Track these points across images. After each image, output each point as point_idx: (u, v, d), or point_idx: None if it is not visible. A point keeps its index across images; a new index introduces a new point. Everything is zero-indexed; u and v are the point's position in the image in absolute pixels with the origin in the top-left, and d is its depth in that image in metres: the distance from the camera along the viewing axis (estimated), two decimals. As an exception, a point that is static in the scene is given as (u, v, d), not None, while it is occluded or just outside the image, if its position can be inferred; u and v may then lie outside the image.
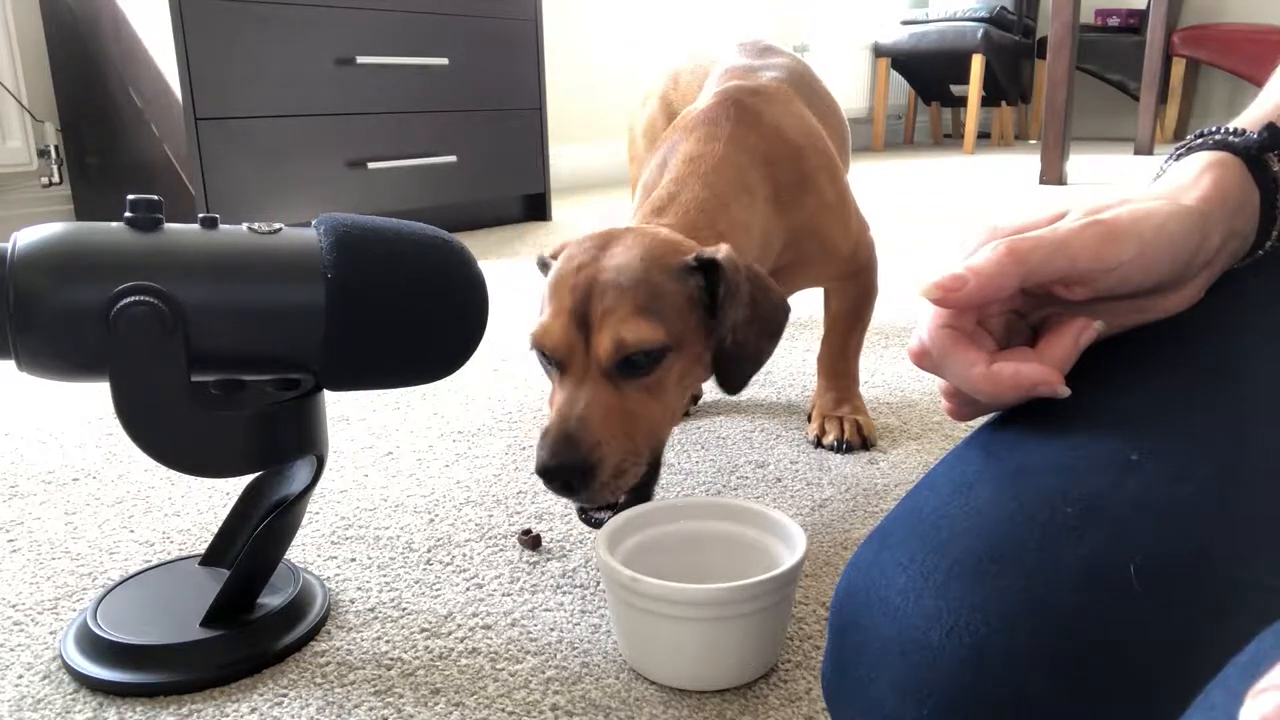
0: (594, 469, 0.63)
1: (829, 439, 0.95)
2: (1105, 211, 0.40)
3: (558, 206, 2.83)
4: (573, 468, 0.62)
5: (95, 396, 1.14)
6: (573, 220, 2.59)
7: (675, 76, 1.14)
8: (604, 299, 0.67)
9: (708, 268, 0.70)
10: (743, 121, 0.86)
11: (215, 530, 0.69)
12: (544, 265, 0.77)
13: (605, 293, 0.67)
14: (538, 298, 0.73)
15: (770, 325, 0.72)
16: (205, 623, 0.60)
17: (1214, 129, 0.45)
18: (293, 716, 0.55)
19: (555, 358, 0.68)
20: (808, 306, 1.48)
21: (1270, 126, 0.42)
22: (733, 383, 0.72)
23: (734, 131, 0.85)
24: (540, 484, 0.67)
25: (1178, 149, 0.45)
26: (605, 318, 0.66)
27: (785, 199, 0.85)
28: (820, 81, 1.06)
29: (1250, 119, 0.46)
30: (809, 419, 1.00)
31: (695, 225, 0.78)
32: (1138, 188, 0.43)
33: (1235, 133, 0.43)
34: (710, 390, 1.13)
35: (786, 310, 0.74)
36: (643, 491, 0.69)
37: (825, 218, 0.89)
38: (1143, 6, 4.38)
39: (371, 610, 0.66)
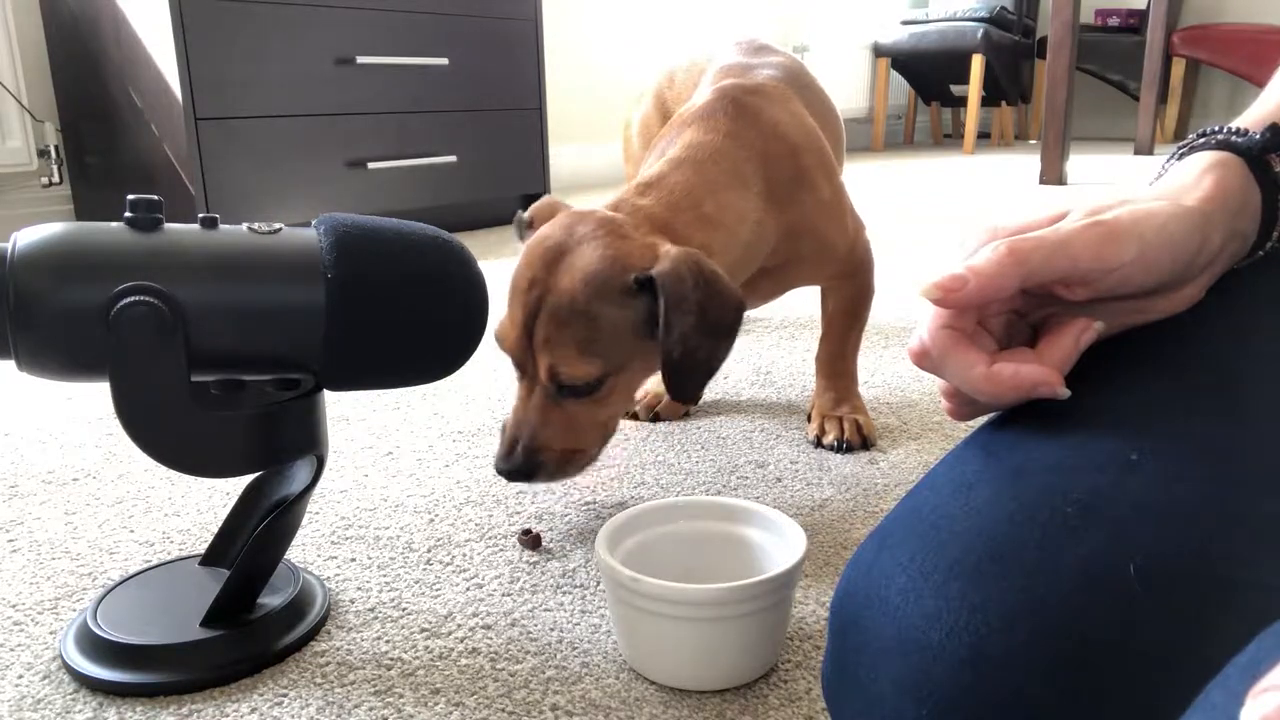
0: (536, 470, 0.73)
1: (829, 439, 0.95)
2: (1106, 212, 0.40)
3: (558, 206, 2.82)
4: (517, 471, 0.73)
5: (95, 396, 1.14)
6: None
7: (671, 75, 1.14)
8: (545, 326, 0.71)
9: (652, 279, 0.69)
10: (740, 118, 0.86)
11: (215, 530, 0.69)
12: (520, 227, 0.80)
13: (547, 320, 0.71)
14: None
15: (721, 328, 0.71)
16: (205, 623, 0.60)
17: (1215, 128, 0.44)
18: (293, 716, 0.55)
19: (511, 360, 0.75)
20: (807, 306, 1.48)
21: (1273, 127, 0.42)
22: (685, 391, 0.72)
23: (731, 127, 0.85)
24: (539, 484, 0.81)
25: (1179, 148, 0.45)
26: (544, 346, 0.71)
27: (780, 195, 0.85)
28: (816, 81, 1.05)
29: (1252, 119, 0.46)
30: (809, 419, 1.00)
31: (678, 206, 0.78)
32: (1138, 188, 0.43)
33: (1237, 133, 0.43)
34: (710, 390, 1.13)
35: (740, 309, 0.72)
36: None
37: (821, 216, 0.89)
38: (1143, 6, 4.38)
39: (371, 610, 0.66)
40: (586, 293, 0.70)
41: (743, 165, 0.84)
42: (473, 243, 2.22)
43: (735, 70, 0.98)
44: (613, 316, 0.70)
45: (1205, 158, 0.43)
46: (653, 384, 1.05)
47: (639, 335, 0.71)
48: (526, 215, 0.80)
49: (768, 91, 0.91)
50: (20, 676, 0.59)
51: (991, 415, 0.45)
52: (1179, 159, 0.45)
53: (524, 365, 0.74)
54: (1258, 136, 0.42)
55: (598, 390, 0.72)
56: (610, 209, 0.78)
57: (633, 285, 0.70)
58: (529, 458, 0.73)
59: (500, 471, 0.74)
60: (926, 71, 4.96)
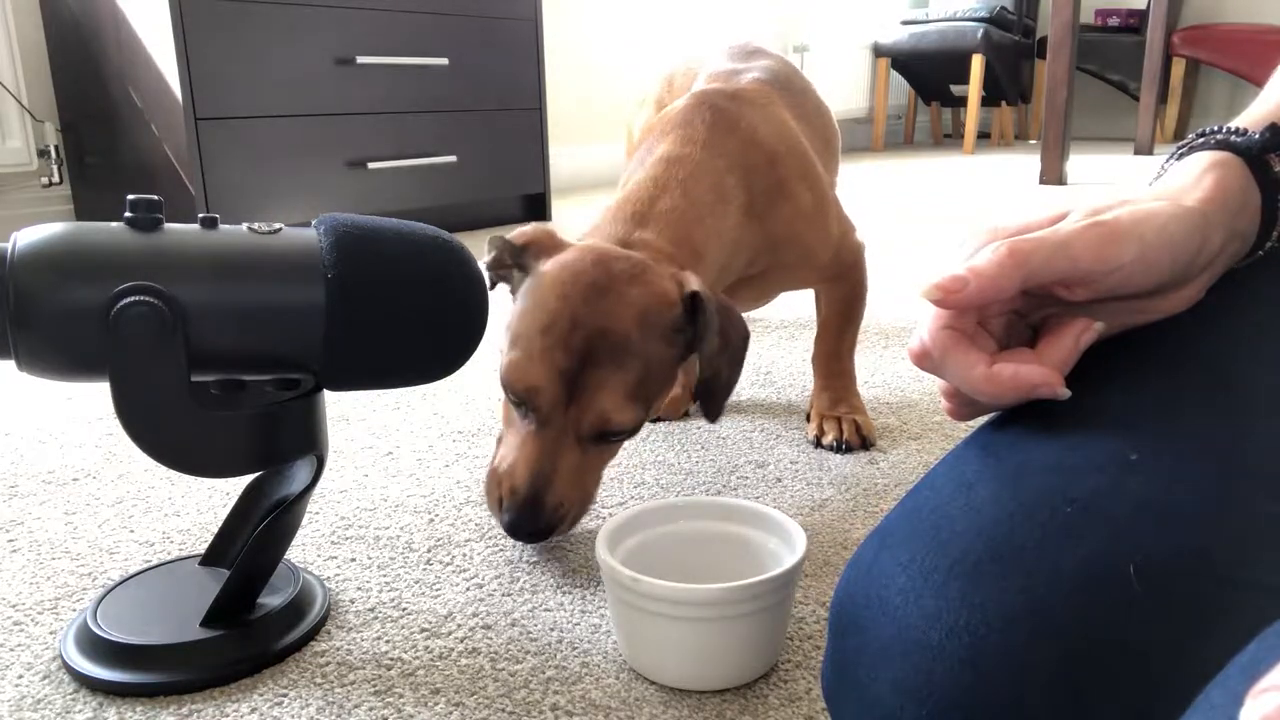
0: (554, 528, 0.68)
1: (828, 439, 0.95)
2: (1107, 212, 0.40)
3: (558, 207, 2.83)
4: (537, 531, 0.67)
5: (95, 396, 1.14)
6: (572, 221, 2.59)
7: (669, 79, 1.14)
8: (599, 370, 0.66)
9: (690, 308, 0.69)
10: (718, 126, 0.85)
11: (215, 530, 0.69)
12: (506, 252, 0.73)
13: (602, 363, 0.66)
14: (508, 315, 0.71)
15: (738, 354, 0.73)
16: (205, 623, 0.60)
17: (1215, 128, 0.44)
18: (293, 716, 0.55)
19: (531, 405, 0.67)
20: (807, 307, 1.48)
21: (1272, 127, 0.42)
22: (717, 412, 0.73)
23: (709, 136, 0.84)
24: None
25: (1179, 148, 0.45)
26: (596, 392, 0.66)
27: (760, 206, 0.85)
28: (808, 84, 1.05)
29: (1251, 118, 0.46)
30: (808, 419, 1.00)
31: (676, 240, 0.78)
32: (1138, 188, 0.43)
33: (1237, 132, 0.43)
34: (710, 390, 1.13)
35: (748, 337, 0.74)
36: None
37: (802, 226, 0.88)
38: (1143, 6, 4.38)
39: (371, 610, 0.66)
40: (643, 333, 0.67)
41: (723, 179, 0.83)
42: (473, 243, 2.22)
43: (721, 75, 0.98)
44: (664, 355, 0.68)
45: (1205, 158, 0.42)
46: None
47: (675, 372, 0.71)
48: (519, 241, 0.73)
49: (748, 96, 0.90)
50: (20, 676, 0.59)
51: (991, 415, 0.45)
52: (1178, 159, 0.45)
53: (549, 414, 0.67)
54: (1257, 136, 0.42)
55: (631, 437, 0.70)
56: (619, 243, 0.75)
57: (681, 319, 0.69)
58: (553, 517, 0.67)
59: (516, 531, 0.67)
60: (926, 71, 4.96)
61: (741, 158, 0.85)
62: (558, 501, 0.67)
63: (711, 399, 0.72)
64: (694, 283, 0.70)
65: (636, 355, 0.66)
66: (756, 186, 0.85)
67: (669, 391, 0.73)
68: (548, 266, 0.70)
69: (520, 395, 0.67)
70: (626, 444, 0.96)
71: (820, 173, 0.92)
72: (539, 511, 0.66)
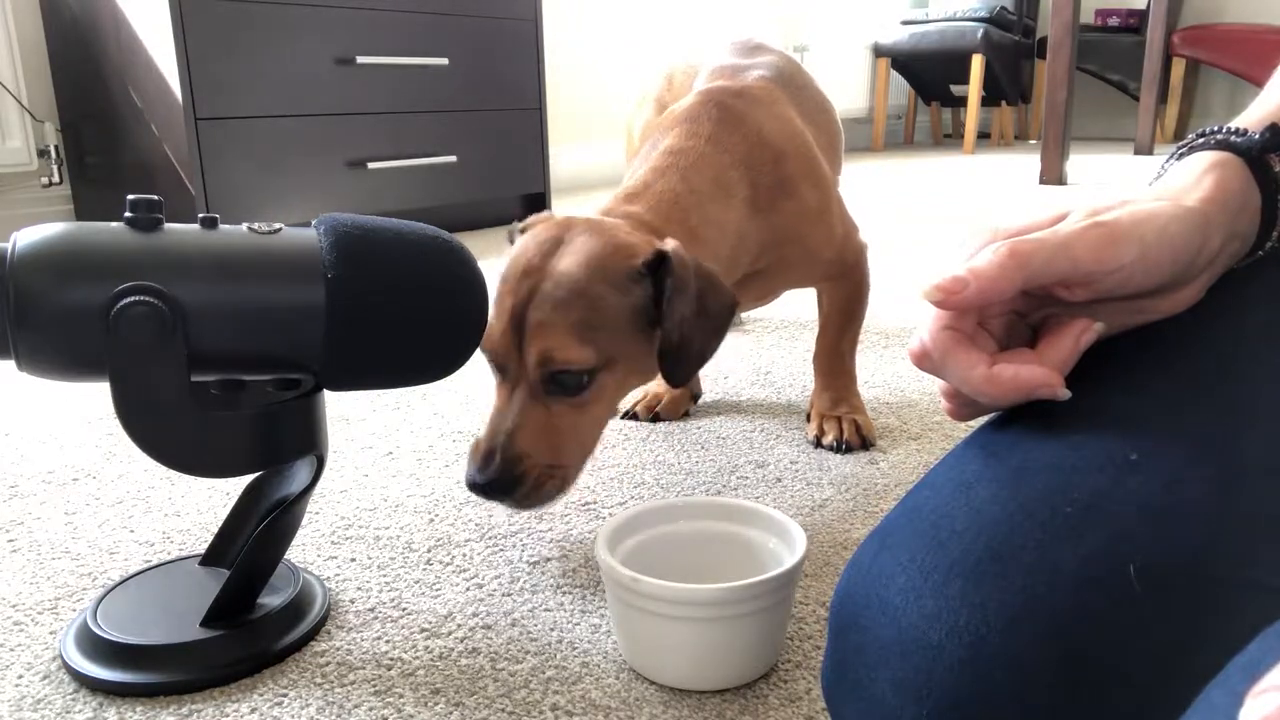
0: (513, 485, 0.66)
1: (828, 439, 0.95)
2: (1107, 213, 0.40)
3: (557, 206, 2.83)
4: (493, 485, 0.66)
5: (95, 396, 1.14)
6: (573, 220, 2.59)
7: (669, 78, 1.14)
8: (540, 310, 0.67)
9: (656, 265, 0.69)
10: (724, 122, 0.86)
11: (215, 530, 0.69)
12: (514, 235, 0.77)
13: (543, 304, 0.67)
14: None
15: (717, 322, 0.71)
16: (205, 623, 0.60)
17: (1215, 128, 0.44)
18: (293, 716, 0.55)
19: (494, 362, 0.70)
20: (807, 306, 1.48)
21: (1272, 127, 0.42)
22: (676, 377, 0.71)
23: (715, 131, 0.85)
24: None
25: (1179, 148, 0.45)
26: (537, 330, 0.67)
27: (764, 202, 0.85)
28: (811, 80, 1.05)
29: (1251, 119, 0.46)
30: (808, 419, 1.00)
31: (667, 217, 0.78)
32: (1138, 188, 0.43)
33: (1237, 133, 0.43)
34: (710, 390, 1.13)
35: (733, 307, 0.73)
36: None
37: (805, 223, 0.88)
38: (1143, 6, 4.38)
39: (371, 610, 0.66)
40: (589, 274, 0.67)
41: (727, 172, 0.83)
42: (473, 243, 2.22)
43: (726, 72, 0.98)
44: (614, 301, 0.68)
45: (1205, 158, 0.43)
46: (652, 385, 1.05)
47: (635, 326, 0.70)
48: (524, 224, 0.78)
49: (754, 94, 0.90)
50: (20, 676, 0.59)
51: (991, 415, 0.45)
52: (1178, 159, 0.45)
53: (506, 363, 0.69)
54: (1257, 136, 0.42)
55: (588, 387, 0.68)
56: (603, 215, 0.77)
57: (637, 271, 0.69)
58: (508, 468, 0.65)
59: (475, 486, 0.66)
60: (926, 71, 4.96)
61: (747, 154, 0.85)
62: (518, 454, 0.66)
63: (677, 363, 0.70)
64: (671, 245, 0.70)
65: (581, 295, 0.67)
66: (761, 182, 0.85)
67: (637, 348, 0.70)
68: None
69: (482, 347, 0.67)
70: (626, 444, 0.96)
71: (825, 172, 0.92)
72: (491, 460, 0.66)
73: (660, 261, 0.69)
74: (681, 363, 0.70)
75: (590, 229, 0.71)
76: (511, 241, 0.77)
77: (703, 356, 0.72)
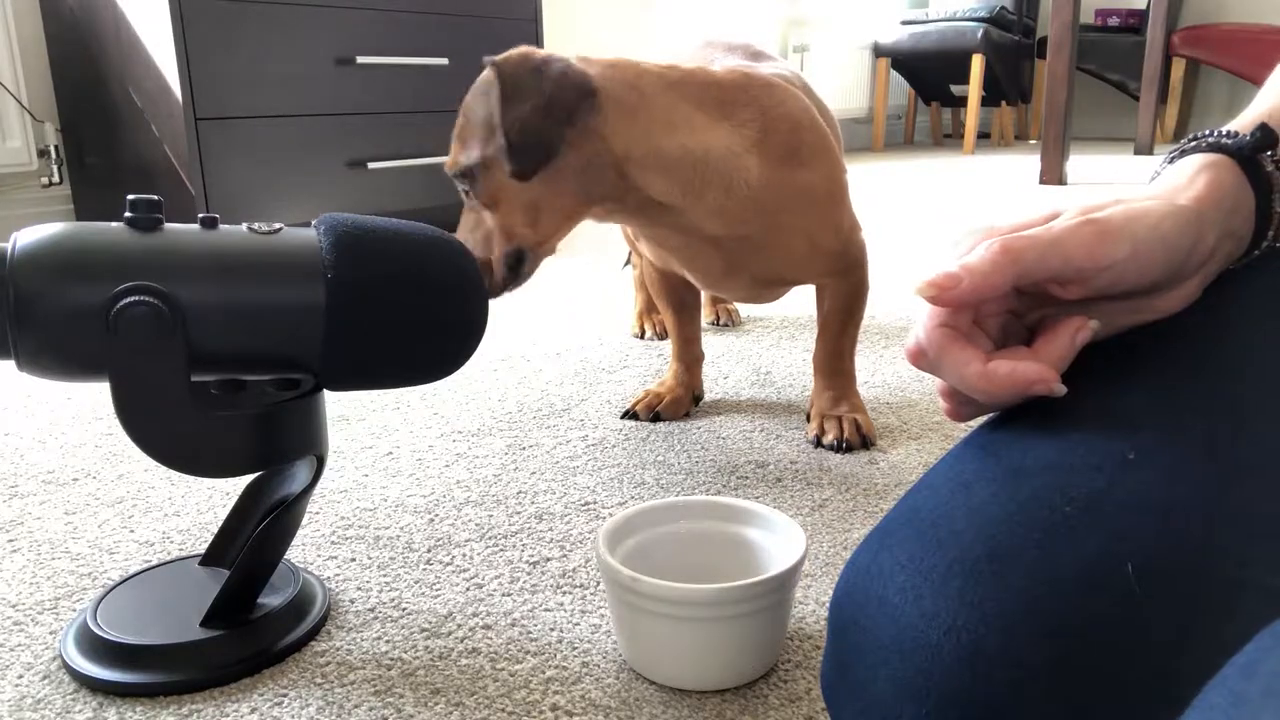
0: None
1: (828, 439, 0.95)
2: (1099, 211, 0.40)
3: (558, 206, 2.82)
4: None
5: (95, 396, 1.14)
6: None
7: None
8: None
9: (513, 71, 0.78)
10: (752, 78, 0.87)
11: (215, 530, 0.69)
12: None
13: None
14: None
15: (559, 107, 0.78)
16: (205, 623, 0.60)
17: (1208, 132, 0.45)
18: (293, 716, 0.55)
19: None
20: (807, 306, 1.48)
21: (1263, 127, 0.42)
22: (512, 166, 0.78)
23: (740, 80, 0.87)
24: (539, 485, 0.80)
25: (1172, 152, 0.46)
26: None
27: (772, 154, 0.86)
28: (809, 87, 1.06)
29: (1244, 122, 0.46)
30: (808, 419, 1.00)
31: (630, 73, 0.82)
32: (1134, 189, 0.43)
33: (1229, 135, 0.44)
34: (710, 390, 1.13)
35: (580, 90, 0.78)
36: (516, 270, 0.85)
37: (811, 200, 0.88)
38: (1143, 6, 4.38)
39: (371, 610, 0.66)
40: (471, 91, 0.82)
41: (735, 108, 0.85)
42: (473, 243, 2.22)
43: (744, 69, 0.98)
44: (478, 112, 0.81)
45: (1198, 160, 0.43)
46: (653, 385, 1.05)
47: (492, 127, 0.80)
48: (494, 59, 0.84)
49: (786, 86, 0.91)
50: (20, 676, 0.59)
51: (990, 415, 0.45)
52: (1172, 163, 0.45)
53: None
54: (1248, 137, 0.43)
55: (476, 183, 0.81)
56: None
57: (489, 80, 0.79)
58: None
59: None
60: (926, 71, 4.96)
61: (764, 112, 0.86)
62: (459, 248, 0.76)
63: (512, 156, 0.78)
64: (504, 55, 0.79)
65: (460, 111, 0.83)
66: (773, 139, 0.85)
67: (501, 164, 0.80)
68: None
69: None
70: (626, 444, 0.96)
71: (840, 161, 0.93)
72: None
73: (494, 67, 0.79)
74: (526, 155, 0.78)
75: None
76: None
77: (550, 149, 0.79)
